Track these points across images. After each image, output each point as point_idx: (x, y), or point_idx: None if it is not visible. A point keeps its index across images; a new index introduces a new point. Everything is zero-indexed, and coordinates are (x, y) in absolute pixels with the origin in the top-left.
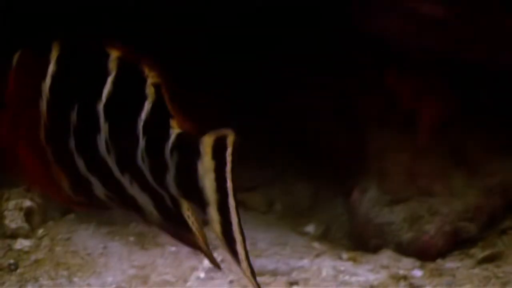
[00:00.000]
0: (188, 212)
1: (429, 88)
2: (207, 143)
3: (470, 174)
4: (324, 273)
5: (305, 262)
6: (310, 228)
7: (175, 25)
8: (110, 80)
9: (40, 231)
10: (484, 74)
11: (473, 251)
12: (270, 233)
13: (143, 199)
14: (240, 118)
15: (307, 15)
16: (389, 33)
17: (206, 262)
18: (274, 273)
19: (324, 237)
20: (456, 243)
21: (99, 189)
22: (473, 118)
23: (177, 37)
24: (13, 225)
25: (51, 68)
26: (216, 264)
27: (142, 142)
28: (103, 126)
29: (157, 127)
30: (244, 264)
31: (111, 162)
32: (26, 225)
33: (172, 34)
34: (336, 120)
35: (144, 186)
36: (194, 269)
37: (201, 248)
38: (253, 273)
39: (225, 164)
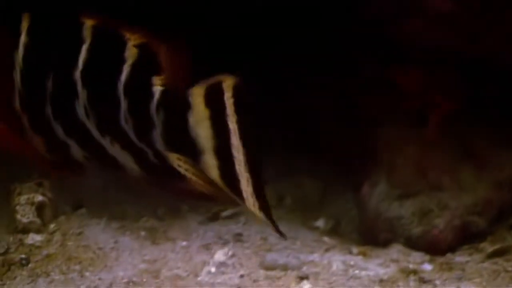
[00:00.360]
0: (179, 162)
1: (437, 82)
2: (196, 93)
3: (479, 168)
4: (334, 267)
5: (315, 256)
6: (320, 223)
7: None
8: (85, 48)
9: (52, 226)
10: (492, 68)
11: (482, 245)
12: (281, 228)
13: (124, 158)
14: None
15: (310, 12)
16: (397, 29)
17: (217, 257)
18: (284, 268)
19: (334, 231)
20: (466, 237)
21: (77, 152)
22: (481, 111)
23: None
24: (24, 220)
25: (23, 39)
26: (221, 200)
27: (124, 104)
28: (81, 92)
29: (138, 88)
30: (250, 200)
31: (90, 126)
32: (37, 220)
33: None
34: (346, 115)
35: (126, 146)
36: (205, 263)
37: (196, 193)
38: (264, 207)
39: (224, 108)
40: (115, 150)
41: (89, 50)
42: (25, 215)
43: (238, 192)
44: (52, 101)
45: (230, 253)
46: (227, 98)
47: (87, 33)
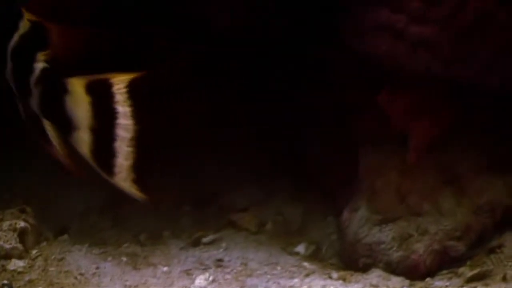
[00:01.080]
0: (49, 127)
1: (420, 107)
2: (76, 82)
3: (459, 193)
4: None
5: (295, 281)
6: (301, 248)
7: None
8: None
9: (34, 252)
10: (476, 92)
11: (461, 270)
12: (261, 253)
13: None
14: (232, 141)
15: (300, 33)
16: (380, 53)
17: (198, 282)
18: None
19: (314, 256)
20: (445, 262)
21: None
22: (462, 136)
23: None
24: (7, 246)
25: None
26: (76, 173)
27: (9, 65)
28: None
29: (21, 57)
30: (123, 173)
31: None
32: (20, 246)
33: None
34: (327, 140)
35: (14, 92)
36: None
37: (60, 159)
38: (139, 180)
39: (109, 97)
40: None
41: None
42: (7, 241)
43: (106, 166)
44: None
45: (211, 278)
46: (117, 89)
47: None
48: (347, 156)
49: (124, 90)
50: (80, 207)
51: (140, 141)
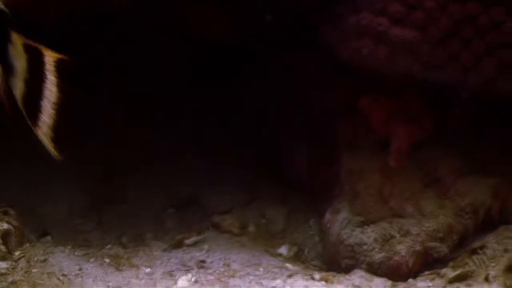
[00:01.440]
0: None
1: (402, 111)
2: (17, 38)
3: (441, 194)
4: None
5: (278, 282)
6: (283, 250)
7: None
8: None
9: (17, 253)
10: (457, 95)
11: (444, 270)
12: (244, 255)
13: None
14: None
15: (283, 38)
16: (362, 56)
17: (180, 283)
18: None
19: (297, 258)
20: (427, 263)
21: None
22: (444, 139)
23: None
24: None
25: None
26: (9, 112)
27: None
28: None
29: None
30: (44, 129)
31: None
32: (3, 248)
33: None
34: (310, 143)
35: None
36: None
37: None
38: (55, 139)
39: (43, 63)
40: None
41: None
42: None
43: (32, 117)
44: None
45: (193, 279)
46: (48, 60)
47: None
48: (329, 159)
49: (53, 63)
50: (63, 209)
51: (61, 108)
